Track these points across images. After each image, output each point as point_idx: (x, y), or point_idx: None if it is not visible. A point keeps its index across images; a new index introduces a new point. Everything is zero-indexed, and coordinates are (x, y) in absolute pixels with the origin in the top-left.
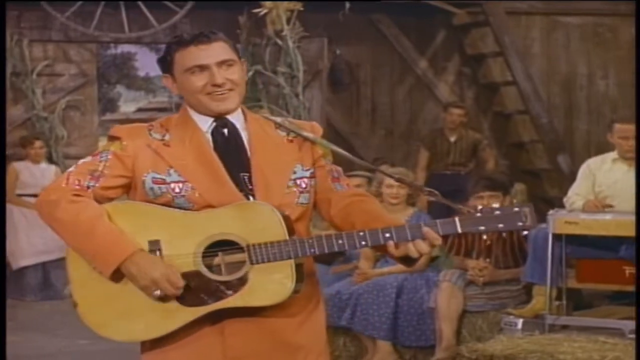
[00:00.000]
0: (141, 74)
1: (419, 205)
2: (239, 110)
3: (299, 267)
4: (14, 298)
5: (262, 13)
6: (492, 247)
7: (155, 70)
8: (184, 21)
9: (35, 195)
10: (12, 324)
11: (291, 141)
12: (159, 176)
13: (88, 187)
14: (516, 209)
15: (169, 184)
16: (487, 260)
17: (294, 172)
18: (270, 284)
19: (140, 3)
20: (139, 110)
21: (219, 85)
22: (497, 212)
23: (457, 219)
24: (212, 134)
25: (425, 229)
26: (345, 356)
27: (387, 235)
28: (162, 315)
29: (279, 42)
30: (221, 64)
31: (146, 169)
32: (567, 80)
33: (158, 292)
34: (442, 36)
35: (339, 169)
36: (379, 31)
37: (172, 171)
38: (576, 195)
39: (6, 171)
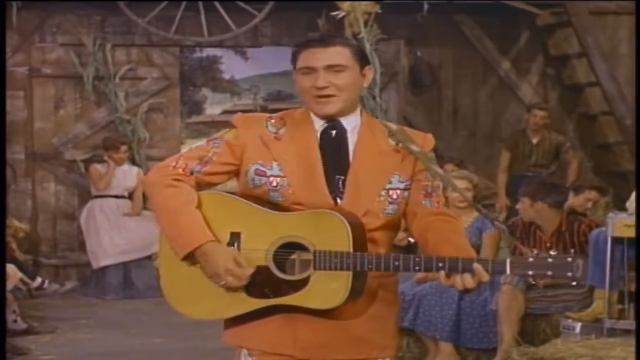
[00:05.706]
0: (226, 76)
1: (498, 208)
2: (357, 113)
3: (359, 278)
4: (95, 297)
5: (340, 16)
6: (554, 250)
7: (239, 73)
8: (265, 24)
9: (116, 196)
10: (90, 321)
11: (398, 151)
12: (262, 168)
13: (192, 173)
14: (569, 259)
15: (269, 176)
16: None
17: (390, 182)
18: (326, 290)
19: (219, 7)
20: (225, 112)
21: (320, 88)
22: (550, 260)
23: (508, 260)
24: (322, 133)
25: (476, 266)
26: (409, 357)
27: (440, 264)
28: (228, 301)
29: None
30: (329, 68)
31: (253, 159)
32: None
33: (223, 283)
34: (525, 37)
35: (437, 184)
36: (460, 32)
37: (275, 165)
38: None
39: (6, 171)
